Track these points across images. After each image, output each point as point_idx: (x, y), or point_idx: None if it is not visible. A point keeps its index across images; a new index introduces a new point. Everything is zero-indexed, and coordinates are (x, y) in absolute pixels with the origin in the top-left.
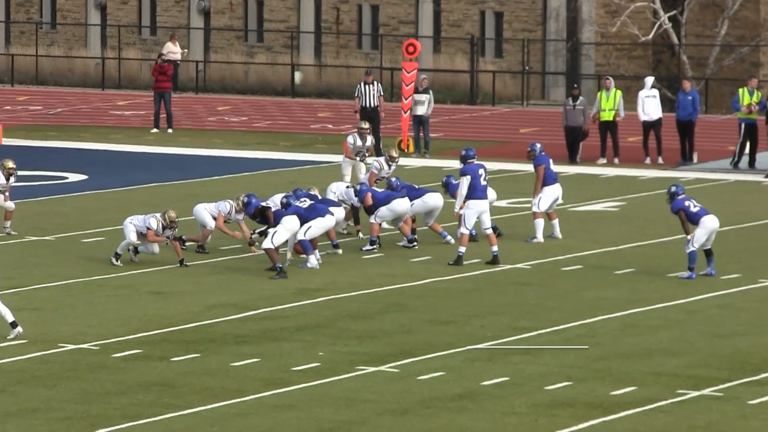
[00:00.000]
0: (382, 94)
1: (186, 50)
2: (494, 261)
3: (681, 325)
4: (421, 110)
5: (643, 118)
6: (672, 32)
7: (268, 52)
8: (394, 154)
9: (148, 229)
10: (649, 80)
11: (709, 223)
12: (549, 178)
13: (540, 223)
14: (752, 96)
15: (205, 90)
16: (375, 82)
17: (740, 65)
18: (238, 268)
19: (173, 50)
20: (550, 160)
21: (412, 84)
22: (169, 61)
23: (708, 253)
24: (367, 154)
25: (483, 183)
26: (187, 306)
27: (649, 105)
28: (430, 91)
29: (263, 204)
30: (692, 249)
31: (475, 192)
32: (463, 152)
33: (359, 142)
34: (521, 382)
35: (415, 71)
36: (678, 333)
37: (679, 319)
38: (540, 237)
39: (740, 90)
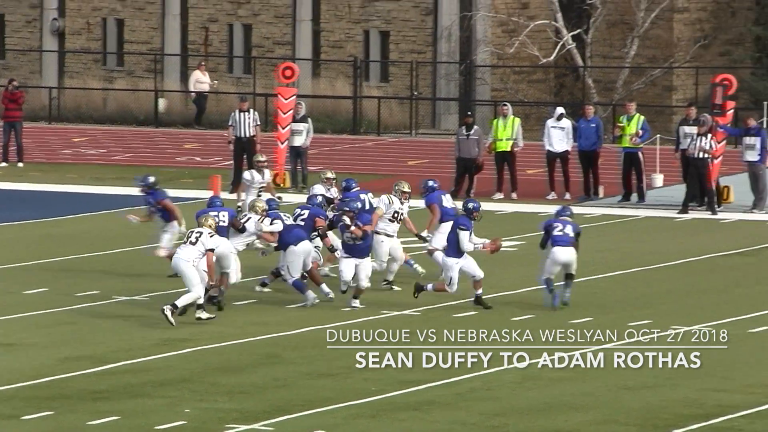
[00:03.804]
0: (258, 123)
1: (216, 81)
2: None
3: (584, 377)
4: (298, 141)
5: (547, 148)
6: (576, 53)
7: (129, 77)
8: (406, 188)
9: None
10: (559, 110)
11: (558, 255)
12: (445, 215)
13: (439, 254)
14: (629, 122)
15: (59, 119)
16: (251, 110)
17: (651, 89)
18: (96, 314)
19: (201, 80)
20: (444, 197)
21: (290, 112)
22: (197, 93)
23: (567, 277)
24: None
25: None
26: (39, 359)
27: (555, 136)
28: (309, 120)
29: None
30: (545, 277)
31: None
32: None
33: (258, 177)
34: None
35: (293, 97)
36: (582, 386)
37: (582, 370)
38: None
39: (619, 117)
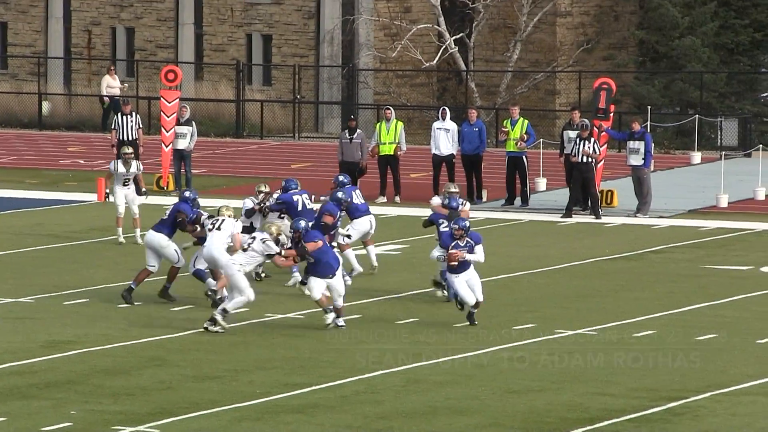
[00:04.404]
0: (141, 126)
1: (126, 85)
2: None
3: (470, 381)
4: (182, 144)
5: (433, 151)
6: (459, 57)
7: (12, 79)
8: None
9: None
10: (444, 111)
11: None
12: (356, 211)
13: (351, 253)
14: (514, 127)
15: None
16: (133, 113)
17: (535, 93)
18: None
19: (111, 84)
20: (354, 192)
21: (174, 115)
22: (109, 97)
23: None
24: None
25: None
26: None
27: (439, 138)
28: (193, 123)
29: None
30: None
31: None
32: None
33: (122, 168)
34: None
35: (177, 100)
36: (466, 389)
37: (468, 374)
38: (358, 267)
39: (504, 121)
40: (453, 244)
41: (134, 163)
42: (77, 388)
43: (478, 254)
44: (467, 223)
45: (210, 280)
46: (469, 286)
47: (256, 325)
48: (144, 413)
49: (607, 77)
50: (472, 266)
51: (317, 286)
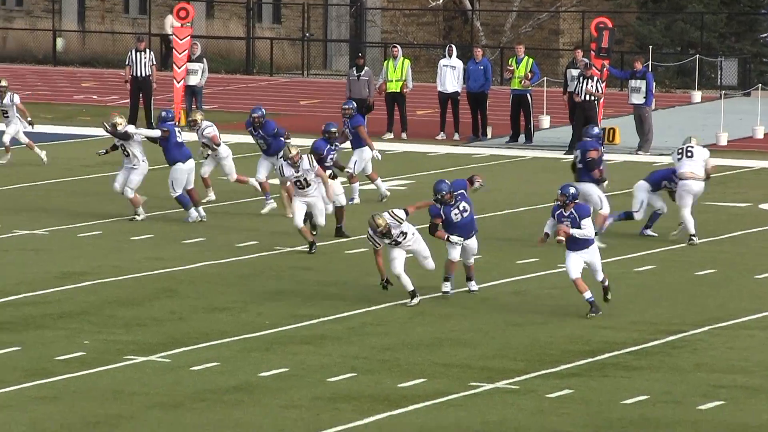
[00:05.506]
0: (155, 63)
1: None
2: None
3: (473, 314)
4: (193, 80)
5: (439, 89)
6: None
7: (27, 16)
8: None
9: None
10: (451, 48)
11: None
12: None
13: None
14: (519, 65)
15: None
16: (147, 50)
17: (539, 33)
18: None
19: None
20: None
21: (186, 52)
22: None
23: None
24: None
25: None
26: None
27: (446, 75)
28: (204, 60)
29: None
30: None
31: None
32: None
33: None
34: (302, 373)
35: (189, 38)
36: (470, 322)
37: (472, 306)
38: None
39: (510, 60)
40: (558, 212)
41: (8, 95)
42: (90, 319)
43: (586, 229)
44: (572, 190)
45: (192, 210)
46: (588, 265)
47: (265, 257)
48: (155, 343)
49: (605, 17)
50: (595, 245)
51: (454, 252)
